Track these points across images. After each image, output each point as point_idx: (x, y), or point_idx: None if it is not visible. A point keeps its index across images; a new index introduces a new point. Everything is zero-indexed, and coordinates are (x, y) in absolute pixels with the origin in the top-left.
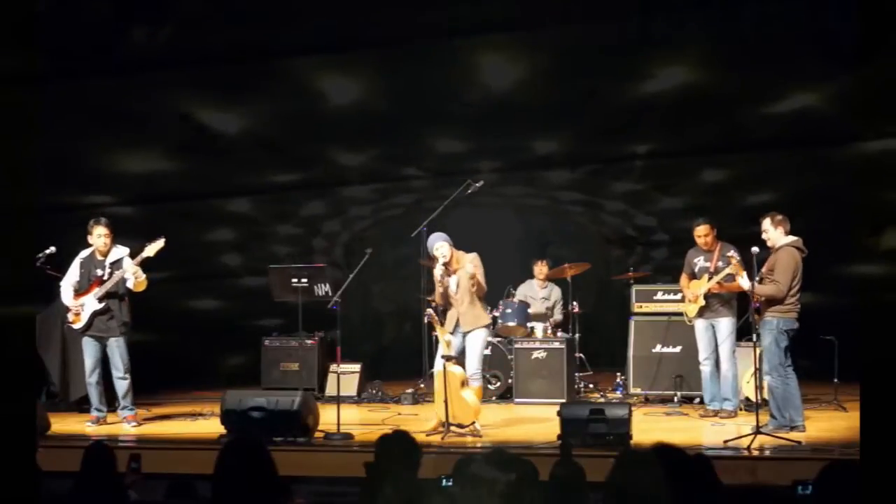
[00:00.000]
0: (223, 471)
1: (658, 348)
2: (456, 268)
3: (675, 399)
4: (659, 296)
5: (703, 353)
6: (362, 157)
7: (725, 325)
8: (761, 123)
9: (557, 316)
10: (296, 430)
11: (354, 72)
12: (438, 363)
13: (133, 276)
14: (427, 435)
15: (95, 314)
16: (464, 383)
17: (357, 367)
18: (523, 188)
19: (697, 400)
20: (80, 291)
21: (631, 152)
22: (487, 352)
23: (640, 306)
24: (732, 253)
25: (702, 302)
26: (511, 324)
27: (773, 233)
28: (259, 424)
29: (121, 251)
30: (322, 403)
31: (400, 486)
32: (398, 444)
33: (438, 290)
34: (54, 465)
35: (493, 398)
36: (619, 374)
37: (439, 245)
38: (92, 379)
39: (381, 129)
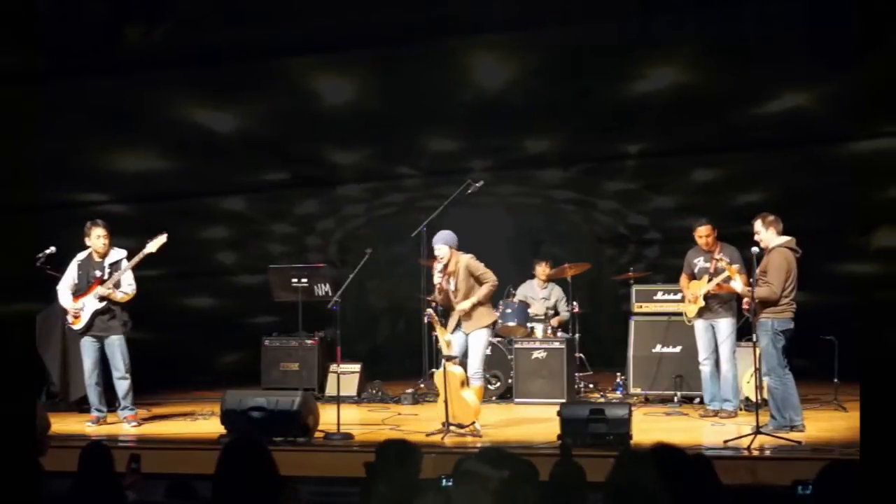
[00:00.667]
0: (223, 471)
1: (658, 348)
2: (454, 269)
3: (675, 399)
4: (659, 296)
5: (703, 353)
6: (356, 156)
7: (725, 325)
8: (753, 123)
9: (564, 314)
10: (296, 430)
11: (348, 71)
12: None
13: (129, 286)
14: (428, 435)
15: (96, 314)
16: (464, 383)
17: (357, 367)
18: (516, 187)
19: (697, 400)
20: (78, 293)
21: (623, 151)
22: (487, 352)
23: (640, 306)
24: (721, 256)
25: (701, 302)
26: (511, 324)
27: (765, 234)
28: (259, 424)
29: (119, 253)
30: (322, 403)
31: (395, 484)
32: (396, 452)
33: (438, 291)
34: (54, 465)
35: (493, 398)
36: (619, 374)
37: (438, 247)
38: (91, 380)
39: (374, 129)
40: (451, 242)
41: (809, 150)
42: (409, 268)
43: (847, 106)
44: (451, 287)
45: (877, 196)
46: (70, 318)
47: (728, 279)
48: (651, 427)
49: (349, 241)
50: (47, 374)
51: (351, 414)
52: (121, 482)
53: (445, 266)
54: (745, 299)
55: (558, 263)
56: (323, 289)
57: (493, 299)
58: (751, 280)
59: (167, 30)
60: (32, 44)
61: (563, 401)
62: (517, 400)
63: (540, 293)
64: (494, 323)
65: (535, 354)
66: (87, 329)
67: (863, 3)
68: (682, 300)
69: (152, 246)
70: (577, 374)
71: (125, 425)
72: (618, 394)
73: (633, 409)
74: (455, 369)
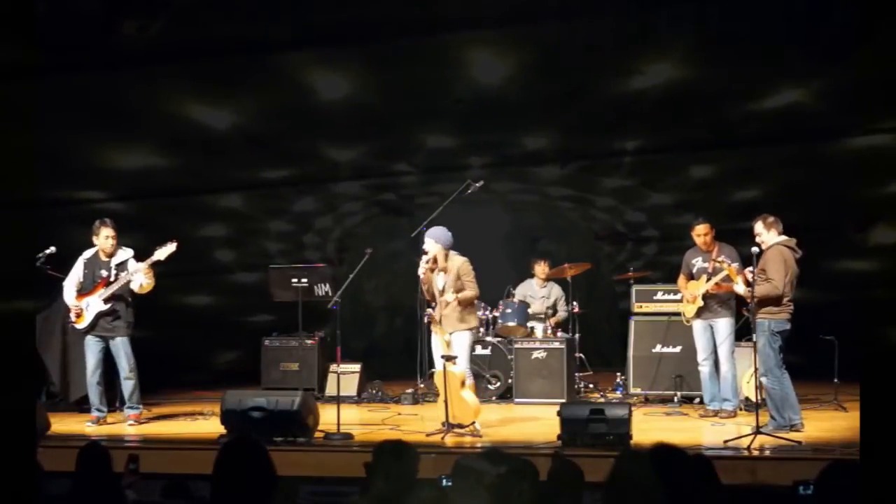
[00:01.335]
0: (222, 471)
1: (658, 348)
2: (444, 266)
3: (675, 399)
4: (659, 296)
5: (702, 353)
6: (353, 153)
7: (724, 325)
8: (749, 119)
9: (561, 313)
10: (296, 430)
11: (345, 67)
12: (439, 363)
13: (144, 278)
14: (428, 435)
15: (101, 315)
16: (463, 383)
17: (357, 367)
18: (513, 184)
19: (697, 400)
20: (83, 291)
21: (620, 148)
22: (487, 352)
23: (640, 306)
24: (723, 258)
25: (700, 302)
26: (511, 324)
27: (766, 235)
28: (259, 424)
29: (126, 253)
30: (322, 403)
31: (393, 484)
32: (393, 452)
33: (422, 285)
34: (54, 465)
35: (493, 398)
36: (619, 374)
37: (428, 241)
38: (93, 379)
39: (371, 125)
40: (444, 241)
41: (806, 147)
42: (407, 265)
43: (844, 102)
44: (440, 286)
45: (874, 192)
46: (72, 316)
47: (728, 279)
48: (651, 427)
49: (347, 239)
50: (47, 375)
51: (351, 414)
52: (120, 482)
53: (430, 260)
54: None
55: (556, 262)
56: (323, 289)
57: (492, 299)
58: (752, 281)
59: (164, 25)
60: (29, 39)
61: (563, 401)
62: (517, 400)
63: (539, 292)
64: (477, 328)
65: (535, 354)
66: (91, 329)
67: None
68: (682, 300)
69: (160, 254)
70: (577, 374)
71: (125, 424)
72: (618, 394)
73: (633, 409)
74: (455, 369)
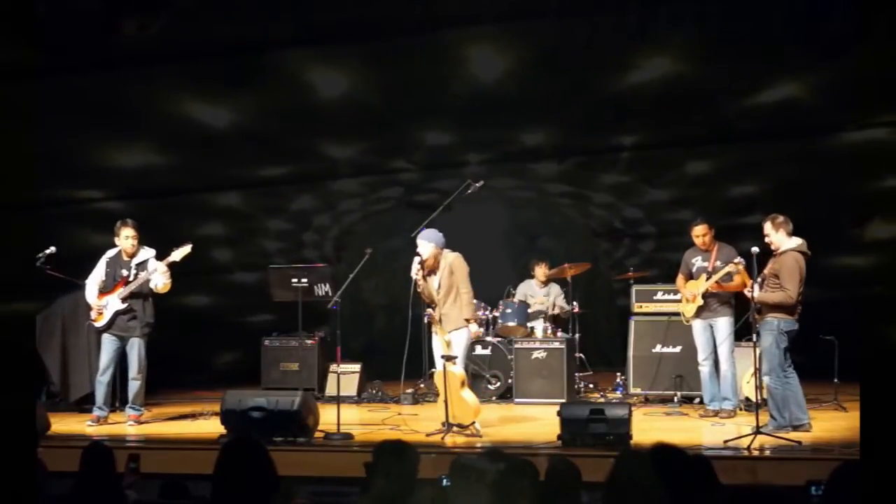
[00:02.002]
0: (222, 471)
1: (658, 348)
2: (435, 265)
3: (675, 399)
4: (659, 296)
5: (702, 353)
6: (351, 151)
7: (724, 325)
8: (746, 115)
9: (558, 308)
10: (296, 430)
11: (343, 65)
12: (439, 363)
13: (163, 277)
14: (428, 435)
15: (118, 313)
16: (463, 383)
17: (357, 367)
18: (511, 180)
19: (697, 400)
20: (104, 291)
21: (617, 144)
22: (487, 352)
23: (640, 306)
24: (740, 259)
25: (700, 301)
26: (511, 324)
27: (776, 236)
28: (259, 424)
29: (147, 252)
30: (322, 403)
31: (393, 484)
32: (393, 452)
33: (417, 287)
34: (54, 465)
35: (493, 398)
36: (619, 374)
37: (423, 244)
38: (103, 378)
39: (369, 122)
40: (438, 241)
41: (803, 142)
42: (407, 263)
43: (840, 97)
44: (436, 284)
45: (870, 187)
46: (93, 314)
47: (728, 277)
48: (651, 427)
49: (345, 237)
50: (47, 375)
51: (351, 414)
52: (121, 482)
53: (423, 262)
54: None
55: (555, 259)
56: (323, 289)
57: (492, 299)
58: (754, 280)
59: (163, 24)
60: (29, 39)
61: (563, 401)
62: (517, 400)
63: (539, 292)
64: (477, 319)
65: (535, 354)
66: (108, 327)
67: None
68: (681, 300)
69: (177, 255)
70: (577, 373)
71: (126, 425)
72: (618, 394)
73: (633, 409)
74: (455, 369)
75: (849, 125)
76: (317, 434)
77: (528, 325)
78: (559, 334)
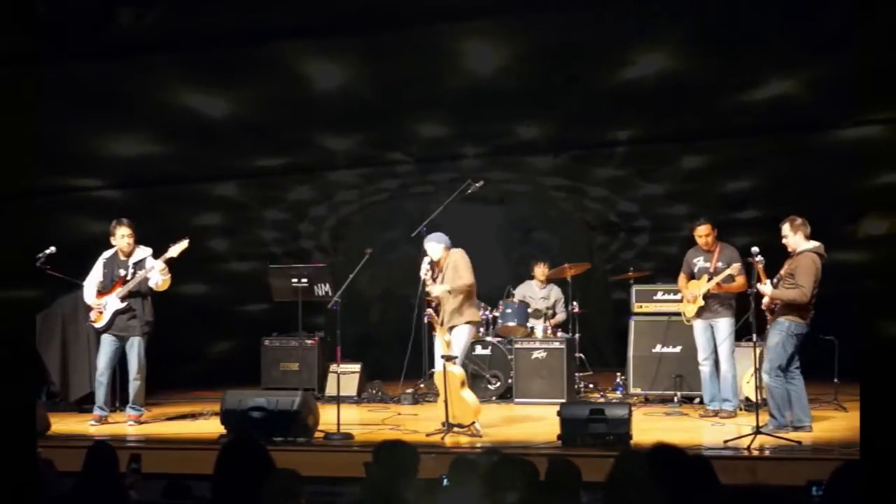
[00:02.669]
0: (222, 471)
1: (658, 348)
2: (442, 265)
3: (675, 399)
4: (659, 296)
5: (702, 353)
6: (348, 142)
7: (724, 325)
8: (740, 110)
9: (561, 315)
10: (296, 430)
11: (340, 57)
12: (439, 363)
13: (161, 275)
14: (428, 435)
15: (117, 313)
16: (463, 383)
17: (357, 367)
18: (507, 173)
19: (697, 400)
20: (102, 291)
21: (613, 138)
22: (487, 352)
23: (640, 306)
24: (758, 259)
25: (701, 302)
26: (511, 324)
27: (793, 238)
28: (259, 424)
29: (144, 251)
30: (322, 403)
31: (393, 484)
32: (393, 452)
33: (425, 287)
34: (55, 464)
35: (493, 398)
36: (619, 374)
37: (433, 246)
38: (103, 378)
39: (366, 114)
40: (446, 242)
41: (797, 137)
42: (402, 255)
43: (835, 93)
44: (440, 281)
45: (864, 183)
46: (93, 315)
47: (730, 278)
48: (651, 427)
49: (342, 228)
50: (47, 374)
51: (351, 414)
52: (123, 482)
53: (434, 264)
54: (766, 300)
55: (550, 254)
56: (323, 288)
57: (492, 299)
58: (752, 284)
59: (160, 14)
60: (26, 27)
61: (563, 401)
62: (517, 400)
63: (539, 293)
64: (478, 323)
65: (535, 354)
66: (108, 327)
67: None
68: (682, 300)
69: (174, 251)
70: (577, 373)
71: (126, 424)
72: (618, 394)
73: (633, 409)
74: (455, 369)
75: (843, 122)
76: (317, 434)
77: (528, 325)
78: (559, 334)
